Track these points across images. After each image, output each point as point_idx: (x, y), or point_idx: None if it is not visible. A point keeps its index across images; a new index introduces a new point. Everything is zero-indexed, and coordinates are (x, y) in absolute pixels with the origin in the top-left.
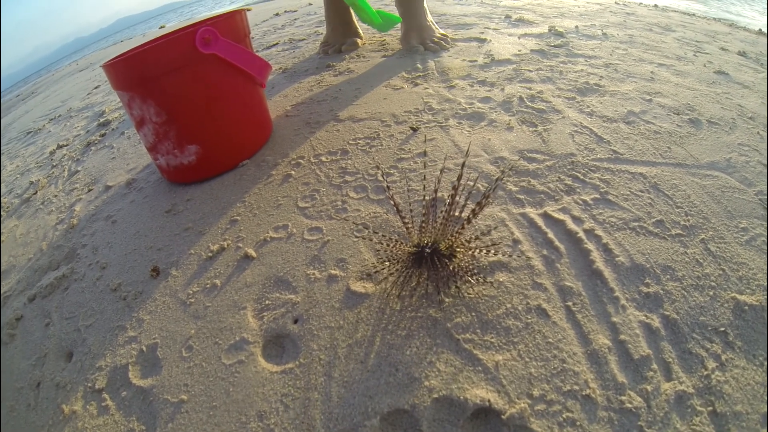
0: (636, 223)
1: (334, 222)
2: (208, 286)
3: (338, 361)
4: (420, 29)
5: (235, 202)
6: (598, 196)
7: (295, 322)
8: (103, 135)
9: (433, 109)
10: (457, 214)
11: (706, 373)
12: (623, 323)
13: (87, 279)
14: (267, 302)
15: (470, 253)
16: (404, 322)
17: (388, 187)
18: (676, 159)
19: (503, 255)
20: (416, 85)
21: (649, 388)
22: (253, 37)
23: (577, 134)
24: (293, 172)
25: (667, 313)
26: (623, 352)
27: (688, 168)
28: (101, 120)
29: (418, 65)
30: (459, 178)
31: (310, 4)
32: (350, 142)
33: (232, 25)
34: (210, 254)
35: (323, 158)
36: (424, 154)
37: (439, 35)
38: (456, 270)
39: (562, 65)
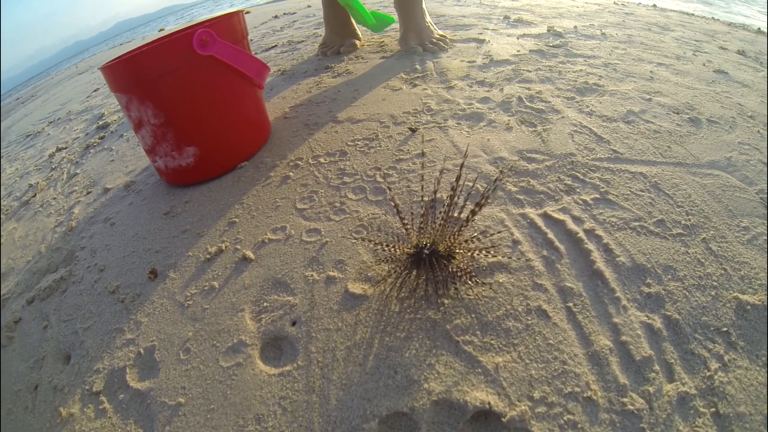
0: (637, 223)
1: (333, 223)
2: (206, 288)
3: (336, 364)
4: (419, 30)
5: (234, 204)
6: (598, 195)
7: (293, 324)
8: (102, 138)
9: (432, 110)
10: (456, 215)
11: (708, 374)
12: (624, 324)
13: (85, 281)
14: (265, 304)
15: (469, 254)
16: (403, 324)
17: (389, 188)
18: (676, 158)
19: (503, 256)
20: (415, 86)
21: (651, 389)
22: (251, 40)
23: (577, 134)
24: (291, 174)
25: (669, 313)
26: (625, 354)
27: (689, 167)
28: (100, 123)
29: (417, 66)
30: (458, 178)
31: (309, 6)
32: (349, 143)
33: (229, 26)
34: (208, 256)
35: (322, 159)
36: (423, 155)
37: (438, 36)
38: (455, 271)
39: (561, 65)
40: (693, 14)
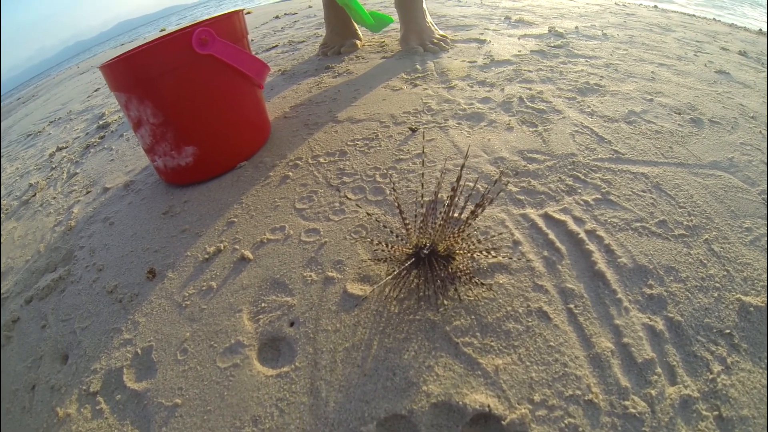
0: (638, 224)
1: (332, 223)
2: (204, 288)
3: (335, 365)
4: (419, 30)
5: (233, 204)
6: (599, 196)
7: (291, 325)
8: (102, 137)
9: (433, 110)
10: (456, 215)
11: (711, 376)
12: (626, 326)
13: (83, 281)
14: (263, 305)
15: (469, 254)
16: (402, 326)
17: (394, 188)
18: (678, 158)
19: (503, 256)
20: (415, 86)
21: (653, 392)
22: (252, 40)
23: (578, 134)
24: (291, 174)
25: (671, 315)
26: (626, 356)
27: (691, 168)
28: (101, 122)
29: (418, 66)
30: (458, 179)
31: (310, 7)
32: (348, 143)
33: (229, 25)
34: (206, 256)
35: (321, 159)
36: (423, 155)
37: (439, 36)
38: (455, 272)
39: (562, 65)
40: (694, 15)
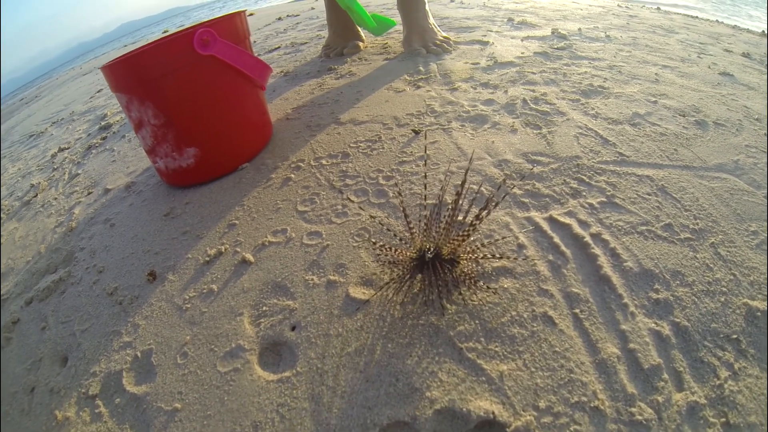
0: (644, 227)
1: (334, 226)
2: (204, 291)
3: (337, 371)
4: (422, 32)
5: (234, 206)
6: (604, 199)
7: (293, 329)
8: (104, 138)
9: (436, 112)
10: (460, 218)
11: (718, 382)
12: (632, 331)
13: (84, 283)
14: (264, 308)
15: (474, 258)
16: (405, 330)
17: (399, 192)
18: (683, 161)
19: (507, 260)
20: (418, 87)
21: (660, 399)
22: (255, 41)
23: (582, 136)
24: (293, 176)
25: (678, 320)
26: (633, 362)
27: (696, 170)
28: (103, 123)
29: (420, 68)
30: (463, 183)
31: (313, 9)
32: (351, 145)
33: (231, 26)
34: (207, 259)
35: (324, 161)
36: (426, 157)
37: (441, 38)
38: (459, 276)
39: (565, 67)
40: (697, 17)
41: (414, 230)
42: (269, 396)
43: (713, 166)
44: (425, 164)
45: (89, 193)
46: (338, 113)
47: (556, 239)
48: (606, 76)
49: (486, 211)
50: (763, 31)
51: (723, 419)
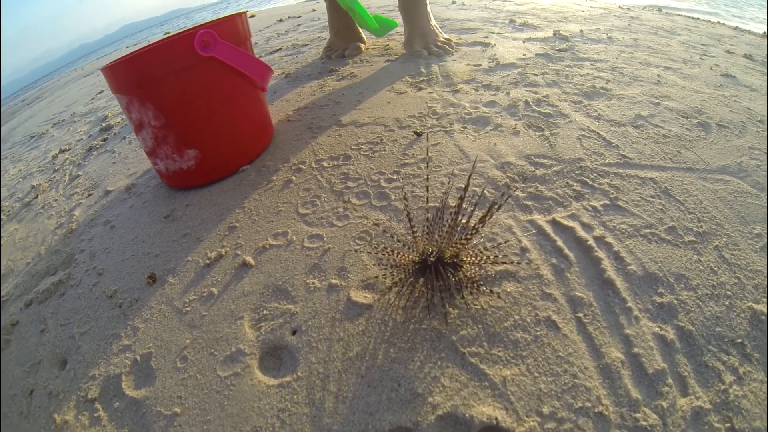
0: (647, 230)
1: (335, 229)
2: (204, 294)
3: (338, 375)
4: (424, 33)
5: (235, 208)
6: (607, 202)
7: (294, 333)
8: (105, 139)
9: (438, 114)
10: (463, 221)
11: (723, 387)
12: (636, 335)
13: (83, 285)
14: (265, 312)
15: (476, 261)
16: (407, 335)
17: (405, 197)
18: (686, 163)
19: (510, 264)
20: (420, 89)
21: (664, 404)
22: (256, 43)
23: (585, 138)
24: (294, 178)
25: (682, 324)
26: (637, 366)
27: (699, 172)
28: (104, 124)
29: (422, 69)
30: (466, 188)
31: (314, 10)
32: (352, 147)
33: (231, 27)
34: (207, 261)
35: (325, 164)
36: (428, 159)
37: (443, 39)
38: (462, 280)
39: (567, 69)
40: (698, 18)
41: (417, 234)
42: (270, 401)
43: (716, 168)
44: (427, 166)
45: (90, 195)
46: (339, 115)
47: (559, 242)
48: (608, 77)
49: (489, 215)
50: (764, 33)
51: (728, 424)
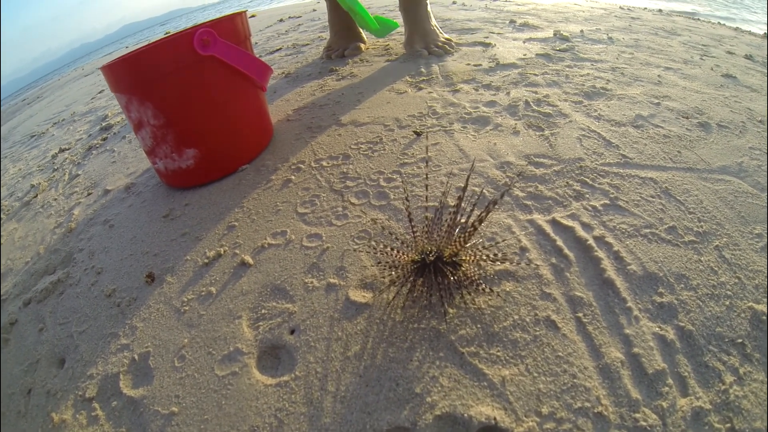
0: (648, 230)
1: (334, 228)
2: (203, 293)
3: (336, 375)
4: (424, 33)
5: (233, 208)
6: (607, 201)
7: (292, 332)
8: (104, 139)
9: (438, 114)
10: (463, 221)
11: (723, 387)
12: (636, 335)
13: (82, 284)
14: (263, 311)
15: (475, 261)
16: (406, 334)
17: (407, 198)
18: (686, 163)
19: (510, 263)
20: (420, 89)
21: (664, 404)
22: (256, 43)
23: (585, 138)
24: (293, 177)
25: (682, 324)
26: (637, 366)
27: (700, 172)
28: (103, 124)
29: (422, 69)
30: (465, 188)
31: (314, 10)
32: (352, 146)
33: (231, 26)
34: (206, 260)
35: (324, 163)
36: (428, 158)
37: (443, 39)
38: (461, 279)
39: (568, 69)
40: (699, 19)
41: (417, 233)
42: (267, 400)
43: (717, 168)
44: (426, 165)
45: (89, 194)
46: (339, 115)
47: (559, 242)
48: (608, 77)
49: (485, 212)
50: (765, 34)
51: (728, 425)
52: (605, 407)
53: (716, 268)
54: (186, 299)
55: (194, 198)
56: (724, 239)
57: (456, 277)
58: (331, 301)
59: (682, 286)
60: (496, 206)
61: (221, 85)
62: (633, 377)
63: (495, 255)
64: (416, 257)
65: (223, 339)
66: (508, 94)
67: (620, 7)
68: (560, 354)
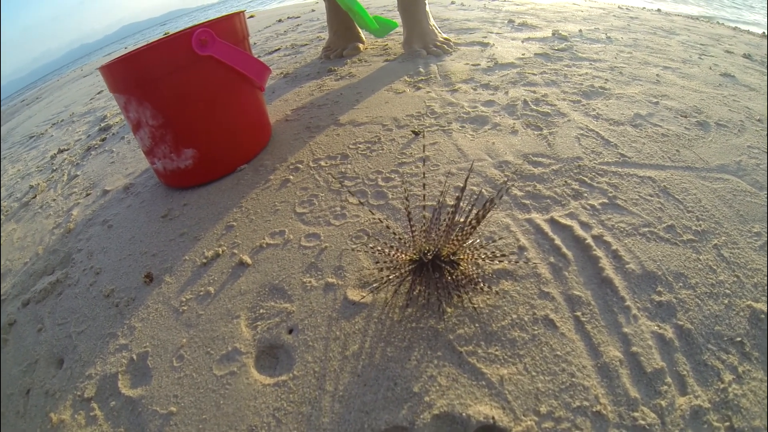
0: (646, 229)
1: (332, 228)
2: (201, 293)
3: (334, 374)
4: (422, 33)
5: (232, 207)
6: (606, 200)
7: (290, 332)
8: (103, 139)
9: (436, 113)
10: (461, 220)
11: (722, 386)
12: (635, 334)
13: (81, 284)
14: (261, 311)
15: (474, 260)
16: (404, 334)
17: (407, 198)
18: (685, 162)
19: (508, 262)
20: (418, 88)
21: (663, 403)
22: (255, 43)
23: (584, 137)
24: (291, 177)
25: (681, 322)
26: (635, 365)
27: (698, 171)
28: (102, 124)
29: (421, 69)
30: (463, 189)
31: (313, 11)
32: (350, 146)
33: (229, 27)
34: (204, 260)
35: (322, 163)
36: (426, 158)
37: (442, 39)
38: (459, 278)
39: (566, 68)
40: (698, 18)
41: (415, 232)
42: (265, 400)
43: (715, 167)
44: (424, 165)
45: (87, 195)
46: (338, 114)
47: (558, 241)
48: (607, 77)
49: (484, 211)
50: (764, 33)
51: (727, 423)
52: (604, 406)
53: (715, 267)
54: (184, 299)
55: (193, 198)
56: (723, 238)
57: (454, 276)
58: (330, 300)
59: (681, 284)
60: (495, 205)
61: (219, 85)
62: (632, 376)
63: (493, 254)
64: (414, 256)
65: (221, 339)
66: (506, 93)
67: (619, 7)
68: (558, 353)
